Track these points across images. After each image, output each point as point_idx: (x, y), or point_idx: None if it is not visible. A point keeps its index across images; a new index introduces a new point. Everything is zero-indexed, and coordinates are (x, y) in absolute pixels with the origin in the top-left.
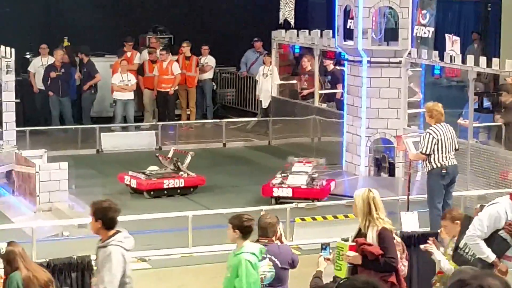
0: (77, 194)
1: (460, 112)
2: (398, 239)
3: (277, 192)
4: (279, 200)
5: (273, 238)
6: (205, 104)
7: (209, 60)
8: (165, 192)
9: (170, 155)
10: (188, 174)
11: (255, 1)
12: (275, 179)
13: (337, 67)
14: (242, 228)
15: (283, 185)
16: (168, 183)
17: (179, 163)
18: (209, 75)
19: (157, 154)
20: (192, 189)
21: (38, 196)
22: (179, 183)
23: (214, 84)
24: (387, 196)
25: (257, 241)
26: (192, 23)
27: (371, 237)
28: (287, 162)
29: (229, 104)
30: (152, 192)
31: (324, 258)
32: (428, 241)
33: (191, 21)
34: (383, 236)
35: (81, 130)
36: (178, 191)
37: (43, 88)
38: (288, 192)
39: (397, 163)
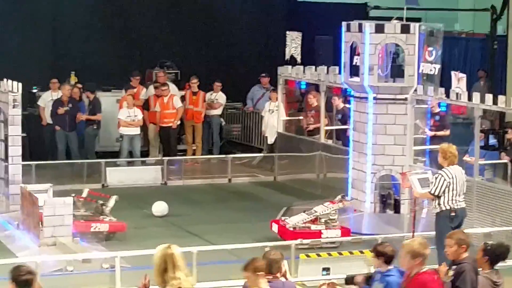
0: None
1: (466, 149)
2: None
3: (273, 228)
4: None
5: (278, 275)
6: (211, 139)
7: (220, 97)
8: (89, 236)
9: (84, 195)
10: (110, 219)
11: (262, 37)
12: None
13: (347, 105)
14: (18, 281)
15: (280, 223)
16: (95, 227)
17: (103, 207)
18: (218, 111)
19: (73, 195)
20: (112, 235)
21: (42, 230)
22: (104, 227)
23: (222, 120)
24: (393, 233)
25: None
26: (198, 59)
27: None
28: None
29: (235, 139)
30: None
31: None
32: None
33: (198, 56)
34: None
35: (87, 164)
36: (100, 236)
37: (51, 122)
38: (275, 229)
39: (402, 200)
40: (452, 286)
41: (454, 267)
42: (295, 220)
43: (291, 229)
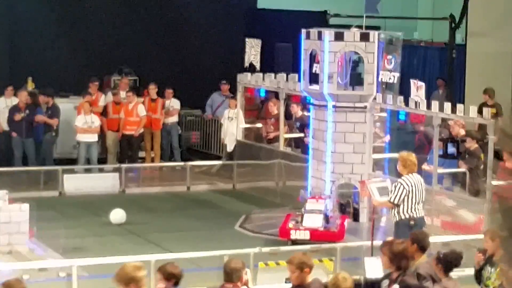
0: (38, 237)
1: (425, 157)
2: None
3: (294, 235)
4: (295, 242)
5: (238, 284)
6: (170, 147)
7: (174, 103)
8: None
9: None
10: None
11: (221, 44)
12: (290, 221)
13: (306, 113)
14: None
15: (300, 228)
16: None
17: None
18: (175, 118)
19: None
20: None
21: None
22: None
23: (179, 128)
24: (351, 241)
25: (222, 286)
26: (157, 65)
27: None
28: (298, 195)
29: (194, 147)
30: None
31: None
32: None
33: (157, 63)
34: None
35: (43, 171)
36: None
37: (7, 129)
38: (305, 235)
39: (361, 208)
40: None
41: None
42: (315, 223)
43: (321, 230)
